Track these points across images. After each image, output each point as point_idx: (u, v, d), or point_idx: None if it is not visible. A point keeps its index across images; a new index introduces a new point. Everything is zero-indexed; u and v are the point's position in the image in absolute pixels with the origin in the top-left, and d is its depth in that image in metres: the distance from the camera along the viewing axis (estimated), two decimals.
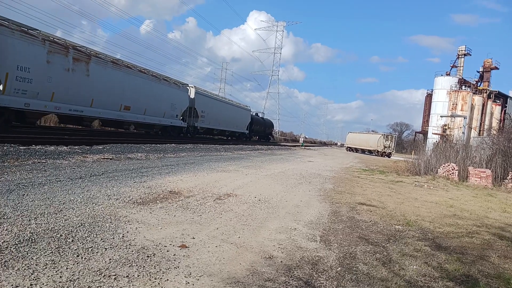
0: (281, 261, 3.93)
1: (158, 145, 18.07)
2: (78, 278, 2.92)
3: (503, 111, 59.97)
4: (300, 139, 66.36)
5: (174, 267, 3.39)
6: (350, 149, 60.75)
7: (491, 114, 60.35)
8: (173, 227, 4.64)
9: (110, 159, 10.60)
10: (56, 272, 2.97)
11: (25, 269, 2.95)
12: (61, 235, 3.77)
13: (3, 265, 2.95)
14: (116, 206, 5.28)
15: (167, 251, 3.78)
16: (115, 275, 3.06)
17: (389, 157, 48.46)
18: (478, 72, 63.02)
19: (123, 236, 4.02)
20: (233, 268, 3.57)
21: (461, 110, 55.04)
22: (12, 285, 2.67)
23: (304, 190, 9.28)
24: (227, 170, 11.43)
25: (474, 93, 58.59)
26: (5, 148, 9.58)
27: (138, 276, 3.10)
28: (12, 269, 2.91)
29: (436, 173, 17.86)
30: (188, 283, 3.11)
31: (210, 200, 6.57)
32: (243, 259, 3.85)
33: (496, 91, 62.07)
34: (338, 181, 12.55)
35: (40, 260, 3.14)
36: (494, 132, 25.24)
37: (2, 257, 3.09)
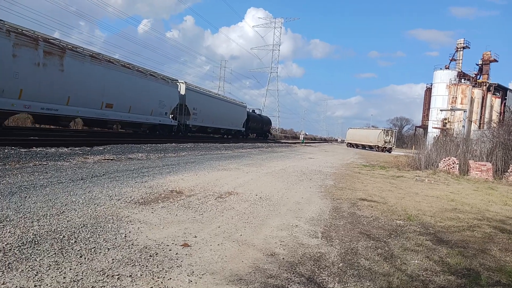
0: (283, 258, 3.95)
1: (159, 145, 18.08)
2: (82, 278, 2.94)
3: (503, 104, 59.92)
4: (300, 136, 66.20)
5: (177, 266, 3.41)
6: (350, 145, 60.78)
7: (491, 107, 60.32)
8: (175, 226, 4.66)
9: (111, 159, 10.62)
10: (59, 273, 2.99)
11: (28, 270, 2.97)
12: (63, 236, 3.80)
13: (7, 267, 2.97)
14: (118, 206, 5.30)
15: (170, 250, 3.80)
16: (118, 274, 3.08)
17: (390, 152, 48.48)
18: (477, 65, 62.95)
19: (125, 236, 4.04)
20: (236, 266, 3.59)
21: (460, 104, 55.03)
22: (16, 286, 2.69)
23: (305, 187, 9.30)
24: (228, 169, 11.45)
25: (473, 86, 58.55)
26: (6, 150, 9.60)
27: (141, 275, 3.12)
28: (16, 271, 2.93)
29: (437, 168, 17.87)
30: (191, 281, 3.13)
31: (212, 199, 6.59)
32: (246, 257, 3.87)
33: (496, 84, 61.98)
34: (339, 177, 12.57)
35: (44, 261, 3.16)
36: (494, 125, 25.20)
37: (6, 259, 3.12)
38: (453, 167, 17.21)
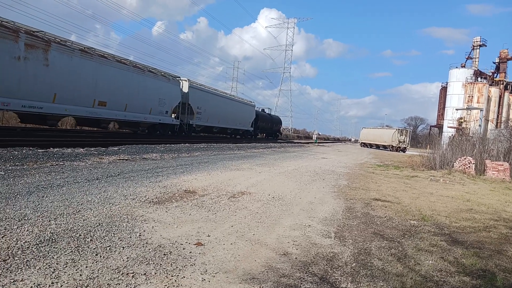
0: (296, 258, 3.96)
1: (173, 145, 18.23)
2: (97, 276, 2.99)
3: None
4: (313, 135, 65.92)
5: (190, 265, 3.45)
6: (364, 144, 60.29)
7: (509, 105, 59.20)
8: (188, 226, 4.70)
9: (126, 160, 10.75)
10: (76, 270, 3.05)
11: (46, 268, 3.04)
12: (80, 235, 3.87)
13: (25, 265, 3.05)
14: (132, 205, 5.37)
15: (183, 249, 3.84)
16: (133, 273, 3.13)
17: (404, 152, 47.93)
18: (494, 63, 61.84)
19: (140, 235, 4.10)
20: (249, 265, 3.61)
21: (477, 103, 54.10)
22: (34, 283, 2.76)
23: (318, 187, 9.27)
24: (241, 169, 11.48)
25: (490, 85, 57.51)
26: (24, 151, 9.80)
27: (155, 273, 3.17)
28: (34, 268, 3.00)
29: (452, 167, 17.61)
30: (204, 280, 3.16)
31: (225, 199, 6.63)
32: (258, 256, 3.89)
33: None
34: (352, 177, 12.49)
35: (61, 259, 3.23)
36: None
37: (24, 256, 3.19)
38: (469, 167, 16.94)
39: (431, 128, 73.82)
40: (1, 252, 3.22)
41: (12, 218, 4.14)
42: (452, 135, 35.80)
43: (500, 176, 15.72)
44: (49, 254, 3.31)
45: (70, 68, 16.00)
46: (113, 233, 4.06)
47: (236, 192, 7.34)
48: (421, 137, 71.41)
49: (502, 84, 59.26)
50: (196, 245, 3.99)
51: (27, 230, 3.82)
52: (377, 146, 55.48)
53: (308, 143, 52.13)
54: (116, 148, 13.48)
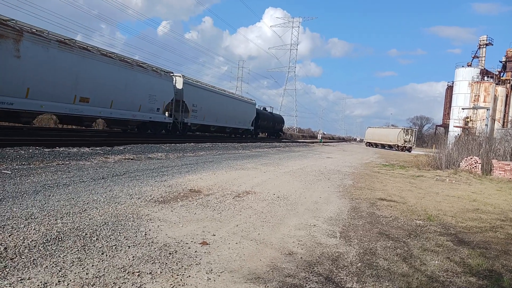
0: (301, 257, 3.95)
1: (178, 144, 18.28)
2: (104, 274, 3.01)
3: None
4: (318, 135, 65.79)
5: (196, 264, 3.46)
6: (369, 144, 60.08)
7: None
8: (194, 225, 4.72)
9: (131, 159, 10.80)
10: (82, 269, 3.07)
11: (53, 266, 3.06)
12: (86, 234, 3.89)
13: (32, 263, 3.07)
14: (138, 205, 5.40)
15: (189, 248, 3.85)
16: (139, 272, 3.14)
17: (410, 151, 47.73)
18: (501, 62, 61.24)
19: (145, 234, 4.12)
20: (254, 264, 3.61)
21: (483, 102, 53.62)
22: (41, 281, 2.78)
23: (323, 187, 9.26)
24: (246, 168, 11.49)
25: (497, 84, 56.99)
26: (30, 150, 9.87)
27: (161, 272, 3.18)
28: (41, 267, 3.03)
29: (458, 167, 17.50)
30: (210, 279, 3.17)
31: (230, 198, 6.64)
32: (263, 256, 3.89)
33: None
34: (358, 177, 12.46)
35: (67, 258, 3.25)
36: None
37: (31, 255, 3.22)
38: (475, 166, 16.83)
39: (437, 128, 73.36)
40: (9, 250, 3.25)
41: (19, 217, 4.17)
42: (458, 134, 35.59)
43: (507, 176, 15.60)
44: (56, 252, 3.34)
45: (46, 61, 14.69)
46: (119, 232, 4.08)
47: (241, 192, 7.34)
48: (427, 137, 71.03)
49: (509, 83, 58.72)
50: (201, 245, 4.00)
51: (34, 229, 3.85)
52: (383, 146, 55.26)
53: (313, 142, 52.04)
54: (121, 148, 13.54)
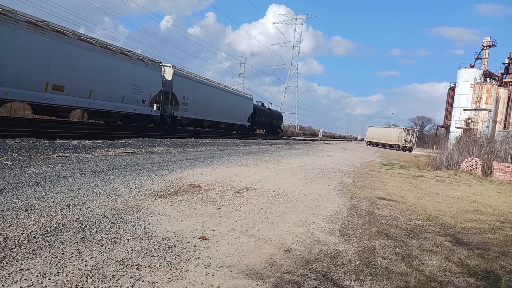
0: (300, 254, 3.96)
1: (179, 139, 18.29)
2: (102, 267, 3.02)
3: None
4: (319, 133, 65.82)
5: (195, 258, 3.46)
6: (370, 143, 60.08)
7: None
8: (193, 219, 4.72)
9: (132, 153, 10.80)
10: (81, 261, 3.08)
11: (52, 257, 3.06)
12: (85, 226, 3.90)
13: (31, 254, 3.08)
14: (138, 198, 5.40)
15: (188, 242, 3.86)
16: (137, 265, 3.15)
17: (410, 151, 47.72)
18: (504, 64, 61.10)
19: (145, 228, 4.12)
20: (252, 260, 3.62)
21: (485, 103, 53.53)
22: (40, 272, 2.79)
23: (323, 185, 9.26)
24: (246, 164, 11.49)
25: (499, 86, 56.88)
26: (31, 142, 9.88)
27: (159, 266, 3.19)
28: (40, 258, 3.03)
29: (459, 168, 17.50)
30: (208, 273, 3.17)
31: (229, 194, 6.64)
32: (262, 252, 3.90)
33: None
34: (358, 175, 12.46)
35: (66, 249, 3.25)
36: None
37: (30, 245, 3.22)
38: (476, 168, 16.82)
39: (438, 128, 73.30)
40: (8, 241, 3.26)
41: (19, 208, 4.18)
42: (459, 135, 35.57)
43: (507, 178, 15.59)
44: (55, 244, 3.34)
45: (11, 43, 13.16)
46: (118, 225, 4.08)
47: (241, 188, 7.35)
48: (428, 137, 70.93)
49: (511, 85, 58.63)
50: (200, 239, 4.01)
51: (34, 220, 3.85)
52: (383, 145, 55.25)
53: (313, 140, 52.06)
54: (122, 141, 13.54)
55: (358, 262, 3.93)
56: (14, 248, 3.14)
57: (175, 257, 3.42)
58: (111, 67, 18.39)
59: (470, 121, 53.11)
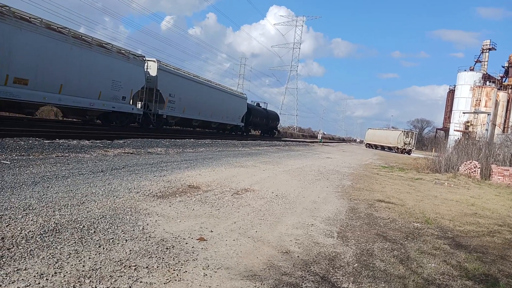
0: (298, 256, 3.95)
1: (178, 140, 18.27)
2: (100, 267, 3.01)
3: None
4: (318, 135, 65.76)
5: (193, 259, 3.46)
6: (369, 145, 60.09)
7: None
8: (191, 220, 4.71)
9: (131, 153, 10.79)
10: (79, 261, 3.07)
11: (49, 258, 3.05)
12: (83, 226, 3.89)
13: (29, 254, 3.07)
14: (136, 199, 5.39)
15: (186, 243, 3.85)
16: (135, 265, 3.14)
17: (409, 154, 47.74)
18: (503, 67, 61.22)
19: (143, 228, 4.12)
20: (250, 262, 3.61)
21: (484, 107, 53.59)
22: (37, 272, 2.78)
23: (322, 187, 9.26)
24: (245, 166, 11.48)
25: (498, 89, 56.97)
26: (30, 141, 9.86)
27: (157, 267, 3.18)
28: (37, 258, 3.02)
29: (457, 171, 17.51)
30: (206, 275, 3.17)
31: (228, 195, 6.63)
32: (260, 253, 3.89)
33: None
34: (357, 178, 12.46)
35: (64, 250, 3.24)
36: None
37: (28, 246, 3.21)
38: (475, 171, 16.83)
39: (437, 131, 73.42)
40: (6, 240, 3.25)
41: (17, 208, 4.17)
42: (458, 138, 35.58)
43: (506, 181, 15.59)
44: (53, 244, 3.33)
45: None
46: (117, 226, 4.07)
47: (240, 189, 7.34)
48: (427, 140, 71.10)
49: (511, 88, 58.69)
50: (198, 240, 4.00)
51: (32, 220, 3.84)
52: (382, 148, 55.26)
53: (313, 142, 52.03)
54: (121, 141, 13.53)
55: (356, 264, 3.93)
56: (12, 248, 3.13)
57: (173, 258, 3.41)
58: (85, 60, 16.77)
59: (469, 124, 53.13)
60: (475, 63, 60.98)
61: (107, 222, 4.16)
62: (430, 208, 7.91)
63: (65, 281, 2.72)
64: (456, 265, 4.28)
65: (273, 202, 6.59)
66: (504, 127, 55.06)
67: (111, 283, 2.78)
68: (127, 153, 10.72)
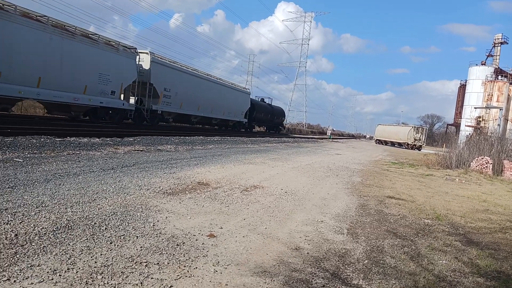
0: (308, 253, 3.95)
1: (187, 137, 18.35)
2: (112, 264, 3.04)
3: None
4: (328, 131, 65.52)
5: (203, 256, 3.48)
6: (379, 141, 59.70)
7: None
8: (201, 217, 4.74)
9: (141, 150, 10.87)
10: (91, 257, 3.11)
11: (62, 254, 3.10)
12: (95, 223, 3.93)
13: (42, 250, 3.11)
14: (146, 196, 5.44)
15: (196, 240, 3.88)
16: (146, 262, 3.17)
17: (420, 150, 47.34)
18: None
19: (153, 225, 4.15)
20: (260, 258, 3.62)
21: (496, 101, 52.86)
22: (50, 268, 2.82)
23: (331, 183, 9.23)
24: (254, 162, 11.49)
25: (511, 84, 56.10)
26: (42, 140, 9.99)
27: (168, 263, 3.20)
28: (51, 254, 3.07)
29: (469, 167, 17.32)
30: (216, 271, 3.19)
31: (237, 192, 6.65)
32: (270, 250, 3.90)
33: None
34: (367, 174, 12.39)
35: (76, 246, 3.29)
36: None
37: (41, 242, 3.26)
38: (486, 167, 16.63)
39: (448, 127, 72.61)
40: (19, 237, 3.30)
41: (30, 205, 4.23)
42: (469, 134, 35.19)
43: None
44: (65, 240, 3.38)
45: None
46: (128, 223, 4.11)
47: (249, 186, 7.36)
48: (438, 136, 70.46)
49: None
50: (208, 237, 4.02)
51: (44, 217, 3.90)
52: (392, 144, 54.86)
53: (322, 139, 51.85)
54: (131, 139, 13.63)
55: (366, 261, 3.92)
56: (25, 244, 3.18)
57: (184, 255, 3.43)
58: (68, 51, 15.59)
59: (481, 119, 52.49)
60: (487, 58, 60.10)
61: (118, 219, 4.20)
62: (441, 204, 7.84)
63: (77, 277, 2.76)
64: (468, 261, 4.25)
65: (282, 198, 6.59)
66: None
67: (123, 279, 2.81)
68: (137, 150, 10.80)
